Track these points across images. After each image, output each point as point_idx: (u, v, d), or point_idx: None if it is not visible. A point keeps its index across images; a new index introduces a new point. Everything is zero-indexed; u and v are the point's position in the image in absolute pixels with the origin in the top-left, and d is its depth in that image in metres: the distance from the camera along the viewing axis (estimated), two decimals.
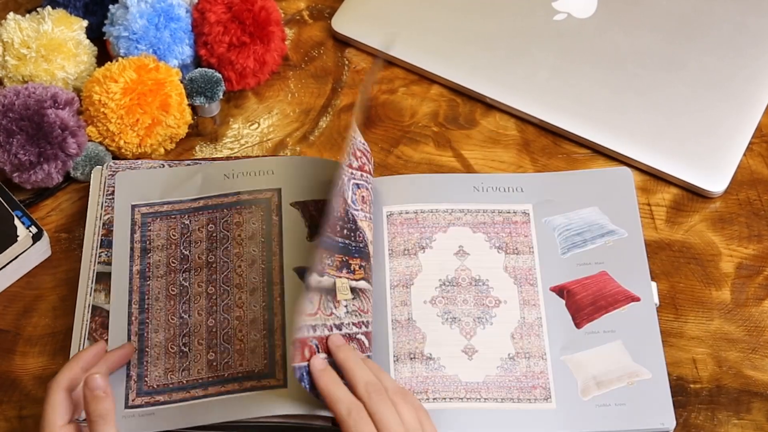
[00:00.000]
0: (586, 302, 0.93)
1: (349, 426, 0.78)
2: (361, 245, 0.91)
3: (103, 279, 0.93)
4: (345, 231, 0.91)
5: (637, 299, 0.93)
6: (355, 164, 0.94)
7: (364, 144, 0.98)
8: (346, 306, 0.88)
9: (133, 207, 0.96)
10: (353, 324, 0.88)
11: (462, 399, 0.89)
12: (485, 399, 0.89)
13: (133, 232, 0.94)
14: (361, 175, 0.95)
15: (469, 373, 0.90)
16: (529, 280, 0.94)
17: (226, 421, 0.84)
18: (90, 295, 0.92)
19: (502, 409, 0.88)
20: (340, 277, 0.88)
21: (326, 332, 0.85)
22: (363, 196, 0.94)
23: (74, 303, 0.93)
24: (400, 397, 0.81)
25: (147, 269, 0.93)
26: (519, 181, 1.00)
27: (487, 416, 0.88)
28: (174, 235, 0.94)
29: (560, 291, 0.94)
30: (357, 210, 0.92)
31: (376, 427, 0.78)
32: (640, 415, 0.87)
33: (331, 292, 0.87)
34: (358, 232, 0.92)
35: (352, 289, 0.89)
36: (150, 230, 0.95)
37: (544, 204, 0.98)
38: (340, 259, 0.89)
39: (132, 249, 0.94)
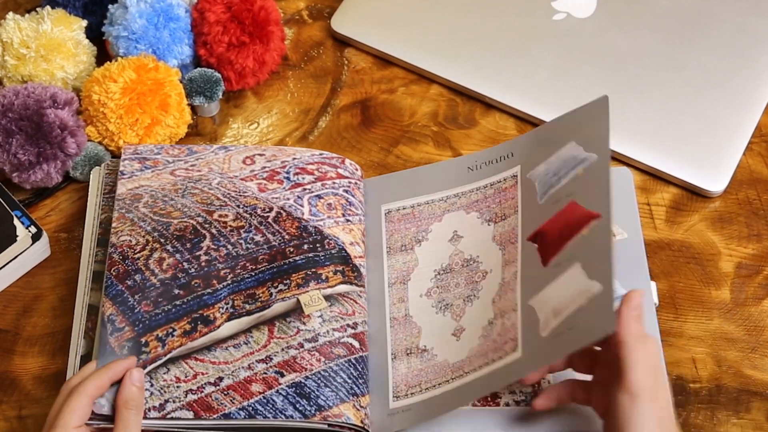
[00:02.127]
0: (554, 238, 0.89)
1: None
2: (333, 251, 0.92)
3: (100, 278, 0.92)
4: (306, 246, 0.92)
5: (597, 216, 0.86)
6: (308, 178, 0.97)
7: (320, 154, 0.99)
8: (320, 316, 0.89)
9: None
10: (334, 330, 0.88)
11: (449, 381, 0.88)
12: (467, 373, 0.88)
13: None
14: (323, 185, 0.96)
15: (456, 354, 0.89)
16: (511, 239, 0.92)
17: (223, 425, 0.85)
18: (87, 294, 0.92)
19: (479, 377, 0.87)
20: (307, 291, 0.90)
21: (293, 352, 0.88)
22: (330, 203, 0.95)
23: (73, 303, 0.93)
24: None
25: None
26: (509, 148, 0.97)
27: (465, 390, 0.87)
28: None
29: (535, 237, 0.91)
30: (322, 219, 0.94)
31: None
32: (587, 332, 0.82)
33: (293, 312, 0.89)
34: (326, 240, 0.93)
35: (328, 297, 0.90)
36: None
37: (531, 159, 0.95)
38: (302, 276, 0.91)
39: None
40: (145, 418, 0.84)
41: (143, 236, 0.92)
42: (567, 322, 0.83)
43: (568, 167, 0.91)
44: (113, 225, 0.93)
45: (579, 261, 0.85)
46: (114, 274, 0.90)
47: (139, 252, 0.91)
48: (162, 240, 0.92)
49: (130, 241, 0.92)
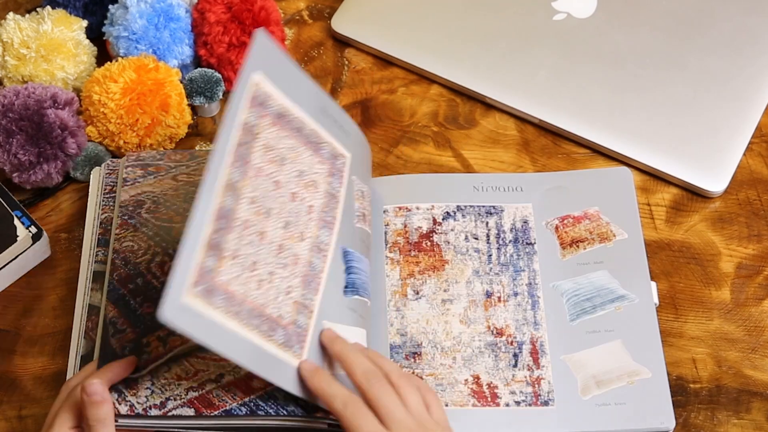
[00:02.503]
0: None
1: (347, 420, 0.77)
2: None
3: (101, 278, 0.93)
4: None
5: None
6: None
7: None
8: None
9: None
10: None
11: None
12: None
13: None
14: None
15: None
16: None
17: (222, 425, 0.85)
18: (87, 294, 0.92)
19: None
20: None
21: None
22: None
23: (74, 303, 0.93)
24: (404, 380, 0.80)
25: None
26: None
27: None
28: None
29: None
30: None
31: (377, 415, 0.77)
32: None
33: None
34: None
35: None
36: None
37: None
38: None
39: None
40: (146, 416, 0.84)
41: (145, 241, 0.92)
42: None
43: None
44: (116, 231, 0.93)
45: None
46: (116, 278, 0.90)
47: (141, 257, 0.91)
48: (164, 244, 0.92)
49: (132, 246, 0.92)
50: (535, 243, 0.96)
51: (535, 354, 0.91)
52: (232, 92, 0.79)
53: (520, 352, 0.91)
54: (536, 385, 0.90)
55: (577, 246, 0.96)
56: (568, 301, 0.93)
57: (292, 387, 0.81)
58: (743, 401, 0.91)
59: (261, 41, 0.81)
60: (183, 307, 0.74)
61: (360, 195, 0.93)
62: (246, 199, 0.79)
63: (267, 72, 0.82)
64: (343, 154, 0.91)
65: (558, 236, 0.96)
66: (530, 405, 0.89)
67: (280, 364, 0.81)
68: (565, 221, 0.97)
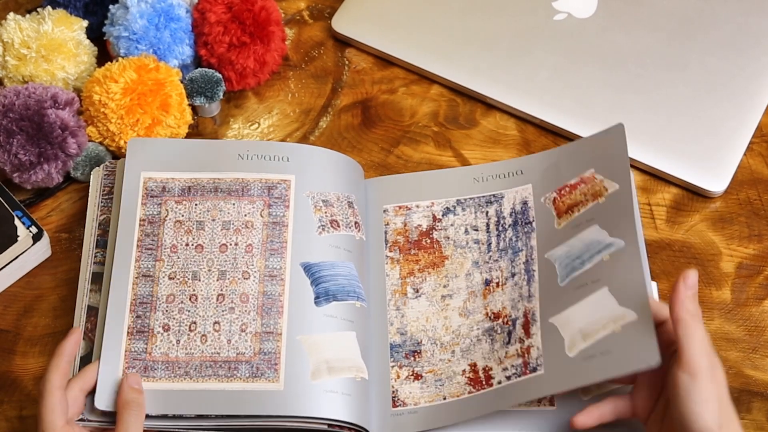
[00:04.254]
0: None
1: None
2: None
3: (100, 279, 0.93)
4: None
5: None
6: None
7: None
8: None
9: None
10: None
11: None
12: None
13: None
14: None
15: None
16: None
17: (222, 426, 0.85)
18: (86, 295, 0.92)
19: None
20: None
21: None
22: None
23: (74, 303, 0.93)
24: None
25: None
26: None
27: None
28: None
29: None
30: None
31: None
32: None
33: None
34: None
35: None
36: None
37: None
38: None
39: None
40: (146, 416, 0.84)
41: None
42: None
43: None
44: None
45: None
46: None
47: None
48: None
49: None
50: (533, 221, 0.95)
51: (526, 326, 0.90)
52: (123, 196, 0.94)
53: (514, 328, 0.90)
54: (526, 355, 0.88)
55: (572, 211, 0.93)
56: (560, 265, 0.91)
57: (273, 410, 0.85)
58: (744, 401, 0.91)
59: (132, 144, 0.96)
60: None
61: (323, 205, 0.94)
62: (164, 277, 0.91)
63: (150, 165, 0.95)
64: (283, 179, 0.94)
65: (555, 208, 0.95)
66: (520, 376, 0.87)
67: (256, 395, 0.85)
68: (562, 192, 0.95)
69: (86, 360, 0.89)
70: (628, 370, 0.82)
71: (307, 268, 0.91)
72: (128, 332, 0.88)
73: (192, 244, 0.92)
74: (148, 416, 0.84)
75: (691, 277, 0.80)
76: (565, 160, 0.97)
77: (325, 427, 0.85)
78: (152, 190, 0.94)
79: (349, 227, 0.94)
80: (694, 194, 1.02)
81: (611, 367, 0.83)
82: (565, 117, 1.05)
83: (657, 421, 0.82)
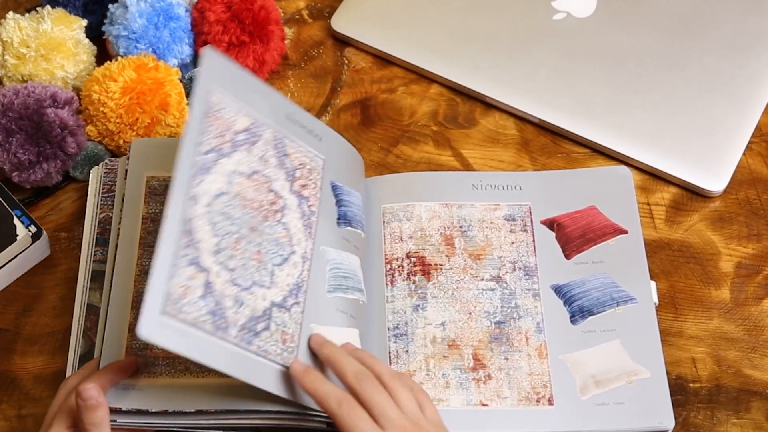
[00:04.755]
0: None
1: (342, 418, 0.77)
2: None
3: (99, 277, 0.92)
4: None
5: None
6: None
7: None
8: None
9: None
10: None
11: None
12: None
13: None
14: None
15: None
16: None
17: (222, 423, 0.85)
18: (86, 294, 0.92)
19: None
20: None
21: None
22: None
23: (73, 302, 0.93)
24: (396, 380, 0.80)
25: None
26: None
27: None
28: None
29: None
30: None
31: (371, 415, 0.77)
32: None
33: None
34: None
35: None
36: None
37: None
38: None
39: None
40: (147, 414, 0.84)
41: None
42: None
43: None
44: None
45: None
46: None
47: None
48: None
49: None
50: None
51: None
52: (126, 194, 0.92)
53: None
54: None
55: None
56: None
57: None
58: (743, 401, 0.91)
59: (135, 144, 0.94)
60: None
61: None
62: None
63: (153, 164, 0.94)
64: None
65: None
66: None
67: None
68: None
69: (85, 358, 0.89)
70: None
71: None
72: (129, 329, 0.88)
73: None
74: (148, 413, 0.84)
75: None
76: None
77: (323, 426, 0.85)
78: (155, 188, 0.94)
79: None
80: (694, 194, 1.02)
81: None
82: (564, 116, 1.05)
83: None
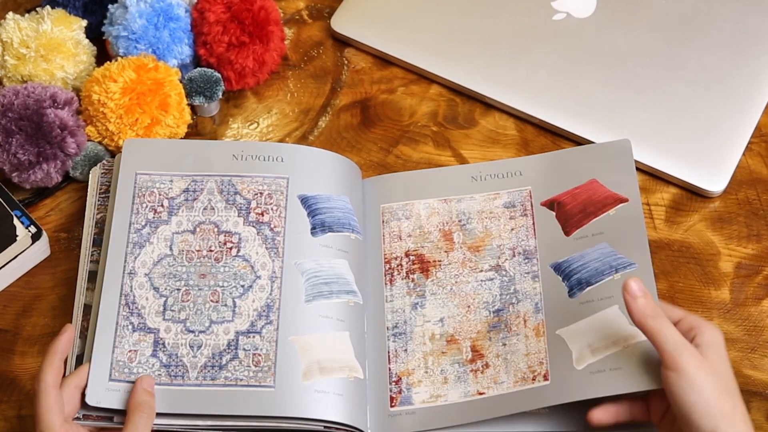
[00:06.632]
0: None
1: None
2: None
3: (96, 278, 0.92)
4: None
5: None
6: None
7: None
8: None
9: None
10: None
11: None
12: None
13: None
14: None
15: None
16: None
17: (219, 425, 0.85)
18: (83, 294, 0.92)
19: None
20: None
21: None
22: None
23: (73, 303, 0.93)
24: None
25: None
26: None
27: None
28: None
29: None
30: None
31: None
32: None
33: None
34: None
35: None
36: None
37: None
38: None
39: None
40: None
41: None
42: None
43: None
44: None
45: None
46: None
47: None
48: None
49: None
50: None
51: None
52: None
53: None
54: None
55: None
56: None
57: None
58: (743, 401, 0.91)
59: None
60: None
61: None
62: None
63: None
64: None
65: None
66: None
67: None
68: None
69: (82, 359, 0.89)
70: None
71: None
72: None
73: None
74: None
75: (632, 285, 0.82)
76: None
77: (321, 428, 0.85)
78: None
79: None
80: (693, 194, 1.02)
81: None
82: (564, 117, 1.05)
83: (668, 424, 0.82)
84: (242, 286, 0.90)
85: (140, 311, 0.88)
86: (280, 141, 1.06)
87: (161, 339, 0.88)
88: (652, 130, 1.04)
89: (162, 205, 0.93)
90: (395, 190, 0.99)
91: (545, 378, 0.88)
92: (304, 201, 0.94)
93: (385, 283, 0.94)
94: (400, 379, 0.90)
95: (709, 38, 1.09)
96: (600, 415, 0.84)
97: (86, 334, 0.90)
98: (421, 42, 1.10)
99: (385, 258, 0.96)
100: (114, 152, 1.02)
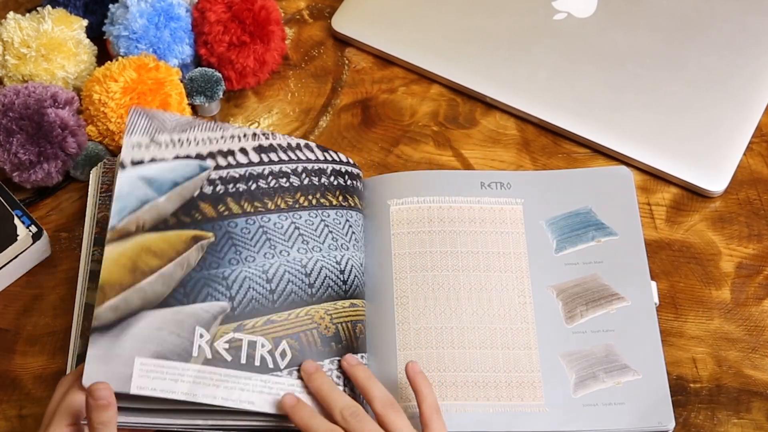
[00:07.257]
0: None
1: None
2: None
3: (97, 277, 0.92)
4: None
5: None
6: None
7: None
8: None
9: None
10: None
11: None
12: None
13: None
14: None
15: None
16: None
17: (222, 425, 0.85)
18: (84, 294, 0.92)
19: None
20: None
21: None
22: None
23: (74, 302, 0.93)
24: (389, 408, 0.82)
25: None
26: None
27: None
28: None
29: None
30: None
31: None
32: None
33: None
34: None
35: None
36: None
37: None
38: None
39: None
40: (147, 413, 0.84)
41: None
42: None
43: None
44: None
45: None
46: None
47: None
48: None
49: None
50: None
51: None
52: None
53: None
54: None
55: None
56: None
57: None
58: (743, 401, 0.91)
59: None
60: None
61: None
62: None
63: None
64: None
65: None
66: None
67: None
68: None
69: (82, 358, 0.88)
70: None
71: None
72: None
73: None
74: (148, 412, 0.84)
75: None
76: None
77: None
78: None
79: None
80: (694, 194, 1.02)
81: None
82: (564, 116, 1.05)
83: None
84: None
85: None
86: None
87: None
88: (653, 130, 1.04)
89: None
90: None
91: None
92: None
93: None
94: None
95: (709, 38, 1.09)
96: None
97: (87, 334, 0.90)
98: (422, 42, 1.10)
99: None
100: (114, 152, 1.02)
